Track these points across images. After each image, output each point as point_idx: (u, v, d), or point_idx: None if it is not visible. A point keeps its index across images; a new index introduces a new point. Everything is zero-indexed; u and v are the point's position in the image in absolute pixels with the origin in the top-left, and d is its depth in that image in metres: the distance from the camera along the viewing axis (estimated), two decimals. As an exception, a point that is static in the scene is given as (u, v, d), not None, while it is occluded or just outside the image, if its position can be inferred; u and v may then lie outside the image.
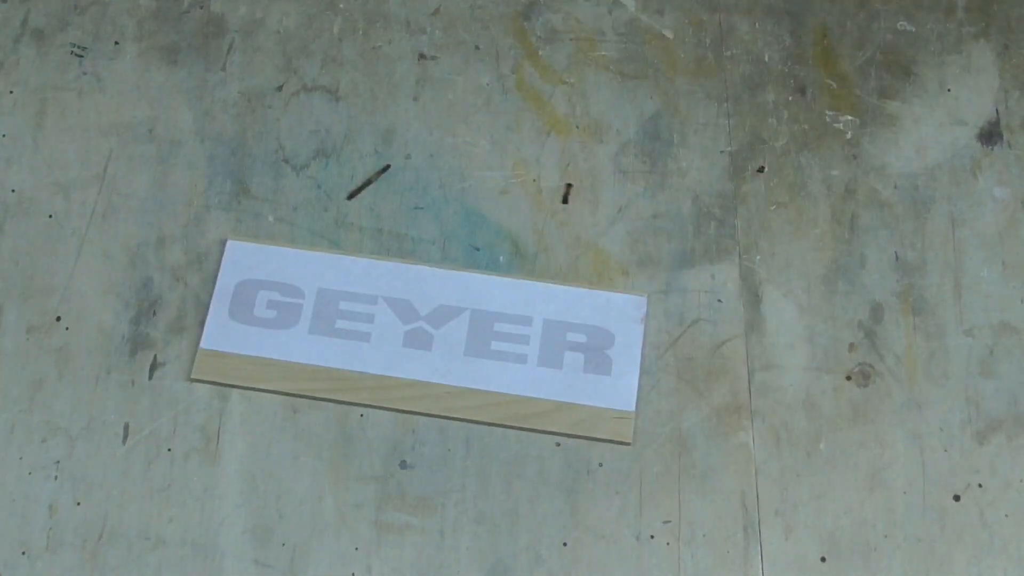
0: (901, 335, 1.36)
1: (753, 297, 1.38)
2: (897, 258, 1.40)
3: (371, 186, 1.43)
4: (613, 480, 1.29)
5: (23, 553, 1.26)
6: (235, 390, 1.32)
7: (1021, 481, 1.30)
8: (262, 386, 1.32)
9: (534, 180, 1.44)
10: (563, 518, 1.28)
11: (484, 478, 1.29)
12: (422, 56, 1.51)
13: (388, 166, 1.44)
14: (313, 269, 1.37)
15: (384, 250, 1.40)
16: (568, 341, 1.34)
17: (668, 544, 1.27)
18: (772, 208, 1.42)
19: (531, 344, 1.34)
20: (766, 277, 1.39)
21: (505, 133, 1.46)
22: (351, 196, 1.43)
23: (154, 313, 1.36)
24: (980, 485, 1.29)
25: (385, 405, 1.32)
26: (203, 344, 1.33)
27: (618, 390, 1.32)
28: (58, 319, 1.35)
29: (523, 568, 1.26)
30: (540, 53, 1.51)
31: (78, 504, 1.28)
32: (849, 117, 1.47)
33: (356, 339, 1.34)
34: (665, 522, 1.28)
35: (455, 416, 1.31)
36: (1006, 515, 1.28)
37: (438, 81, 1.49)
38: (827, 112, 1.47)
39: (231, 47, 1.50)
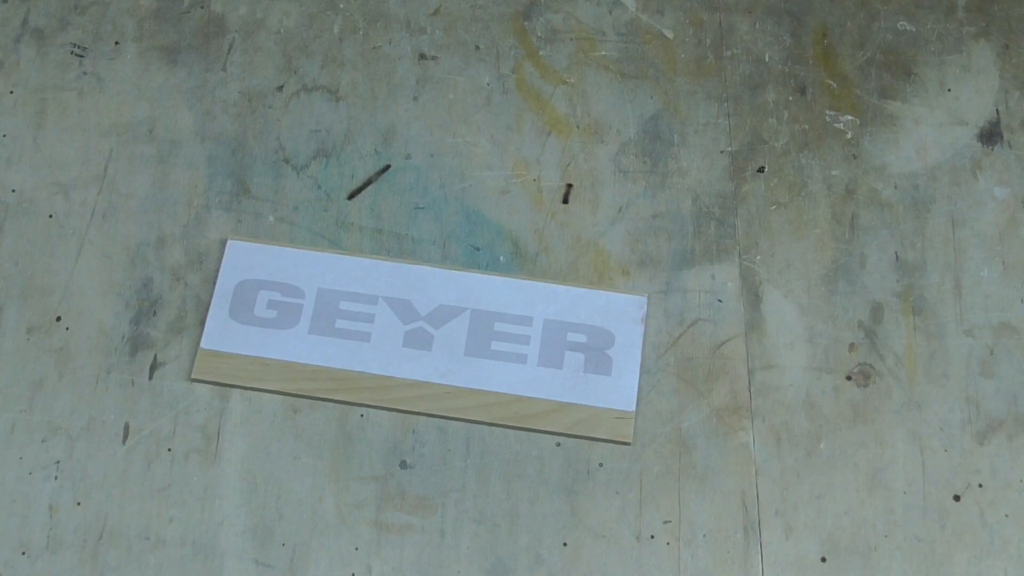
0: (901, 335, 1.36)
1: (753, 297, 1.38)
2: (897, 258, 1.40)
3: (371, 186, 1.43)
4: (613, 480, 1.29)
5: (23, 553, 1.26)
6: (235, 390, 1.33)
7: (1021, 481, 1.30)
8: (262, 386, 1.32)
9: (534, 180, 1.44)
10: (563, 518, 1.28)
11: (484, 478, 1.29)
12: (422, 56, 1.51)
13: (388, 166, 1.44)
14: (313, 269, 1.37)
15: (384, 250, 1.40)
16: (568, 341, 1.34)
17: (668, 544, 1.27)
18: (772, 208, 1.42)
19: (531, 344, 1.34)
20: (766, 277, 1.39)
21: (505, 133, 1.46)
22: (351, 196, 1.43)
23: (154, 313, 1.36)
24: (980, 485, 1.29)
25: (385, 405, 1.32)
26: (203, 344, 1.34)
27: (618, 390, 1.32)
28: (58, 319, 1.35)
29: (523, 568, 1.26)
30: (540, 53, 1.51)
31: (78, 504, 1.28)
32: (849, 117, 1.47)
33: (356, 339, 1.34)
34: (665, 522, 1.28)
35: (455, 416, 1.31)
36: (1006, 515, 1.28)
37: (438, 81, 1.49)
38: (827, 112, 1.47)
39: (231, 47, 1.51)
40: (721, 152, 1.45)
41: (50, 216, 1.41)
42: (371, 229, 1.41)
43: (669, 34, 1.52)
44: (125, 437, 1.30)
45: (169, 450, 1.30)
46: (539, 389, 1.32)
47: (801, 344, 1.35)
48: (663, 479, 1.29)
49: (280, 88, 1.48)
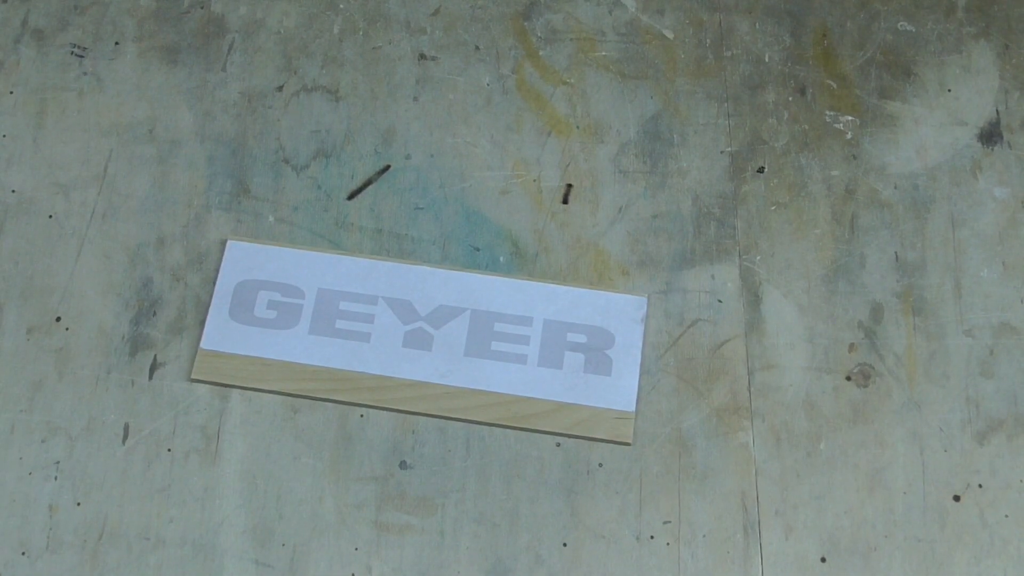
0: (901, 335, 1.36)
1: (753, 297, 1.38)
2: (897, 258, 1.40)
3: (371, 186, 1.43)
4: (613, 480, 1.29)
5: (23, 553, 1.26)
6: (235, 390, 1.33)
7: (1021, 481, 1.30)
8: (262, 386, 1.32)
9: (534, 180, 1.44)
10: (563, 518, 1.28)
11: (484, 478, 1.29)
12: (422, 56, 1.51)
13: (388, 166, 1.44)
14: (313, 269, 1.37)
15: (384, 250, 1.40)
16: (568, 341, 1.34)
17: (668, 544, 1.27)
18: (772, 208, 1.42)
19: (531, 344, 1.34)
20: (766, 277, 1.39)
21: (505, 133, 1.46)
22: (351, 196, 1.43)
23: (154, 313, 1.36)
24: (980, 485, 1.29)
25: (385, 405, 1.32)
26: (203, 344, 1.34)
27: (618, 390, 1.32)
28: (58, 319, 1.35)
29: (523, 568, 1.26)
30: (540, 53, 1.51)
31: (78, 504, 1.28)
32: (849, 117, 1.47)
33: (356, 339, 1.34)
34: (665, 522, 1.28)
35: (455, 416, 1.31)
36: (1006, 515, 1.28)
37: (438, 81, 1.49)
38: (827, 112, 1.47)
39: (231, 47, 1.51)
40: (721, 152, 1.45)
41: (50, 216, 1.41)
42: (371, 229, 1.41)
43: (669, 34, 1.52)
44: (125, 437, 1.30)
45: (169, 450, 1.30)
46: (539, 389, 1.32)
47: (801, 344, 1.35)
48: (663, 479, 1.29)
49: (280, 88, 1.48)
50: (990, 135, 1.46)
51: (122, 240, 1.40)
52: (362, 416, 1.32)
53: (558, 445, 1.31)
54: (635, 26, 1.53)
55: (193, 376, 1.32)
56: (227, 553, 1.26)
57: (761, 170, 1.44)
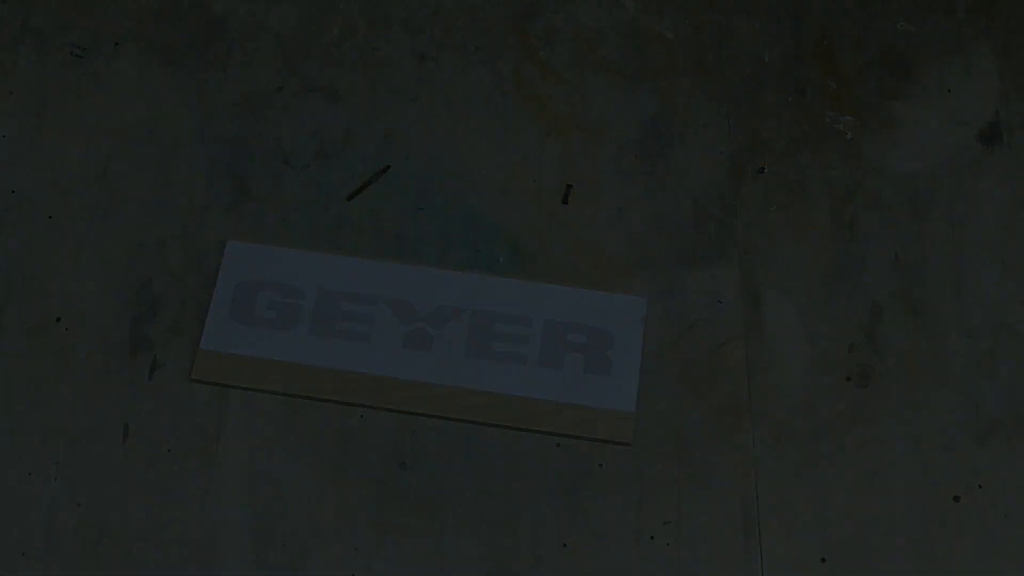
0: (901, 335, 1.36)
1: (753, 298, 1.38)
2: (897, 259, 1.40)
3: (371, 187, 1.43)
4: (613, 481, 1.29)
5: (23, 553, 1.26)
6: (235, 391, 1.32)
7: (1021, 482, 1.29)
8: (262, 387, 1.32)
9: (534, 181, 1.44)
10: (563, 518, 1.28)
11: (484, 479, 1.29)
12: (422, 57, 1.51)
13: (388, 167, 1.45)
14: (313, 270, 1.37)
15: (384, 251, 1.40)
16: (568, 342, 1.34)
17: (668, 545, 1.27)
18: (772, 209, 1.42)
19: (531, 345, 1.34)
20: (766, 278, 1.39)
21: (505, 133, 1.46)
22: (351, 197, 1.43)
23: (154, 314, 1.36)
24: (980, 486, 1.29)
25: (385, 406, 1.32)
26: (203, 345, 1.34)
27: (618, 390, 1.32)
28: (58, 319, 1.35)
29: (523, 569, 1.26)
30: (540, 53, 1.51)
31: (78, 504, 1.28)
32: (849, 118, 1.47)
33: (356, 340, 1.34)
34: (665, 522, 1.28)
35: (455, 417, 1.31)
36: (1006, 516, 1.28)
37: (438, 82, 1.49)
38: (827, 113, 1.47)
39: (231, 47, 1.51)
40: (721, 152, 1.45)
41: (50, 216, 1.41)
42: (371, 230, 1.41)
43: (669, 35, 1.52)
44: (125, 437, 1.30)
45: (169, 450, 1.30)
46: (539, 390, 1.32)
47: (801, 345, 1.35)
48: (663, 479, 1.29)
49: (280, 88, 1.48)
50: (990, 135, 1.46)
51: (122, 240, 1.40)
52: (362, 416, 1.32)
53: (558, 445, 1.31)
54: (635, 26, 1.53)
55: (193, 376, 1.32)
56: (227, 553, 1.26)
57: (761, 170, 1.45)
